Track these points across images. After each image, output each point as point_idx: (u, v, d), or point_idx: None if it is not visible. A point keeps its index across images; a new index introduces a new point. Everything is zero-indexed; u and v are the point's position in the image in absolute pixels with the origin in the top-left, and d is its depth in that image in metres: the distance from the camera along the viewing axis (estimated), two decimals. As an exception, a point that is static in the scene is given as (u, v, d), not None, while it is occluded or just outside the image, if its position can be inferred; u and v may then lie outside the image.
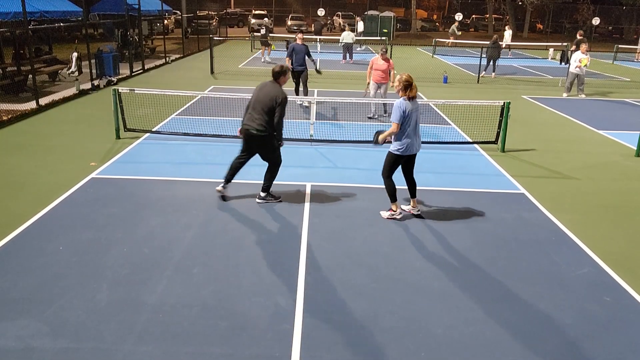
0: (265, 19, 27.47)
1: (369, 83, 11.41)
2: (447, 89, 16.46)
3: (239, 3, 56.68)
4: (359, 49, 29.90)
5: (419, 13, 52.21)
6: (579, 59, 14.84)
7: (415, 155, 6.33)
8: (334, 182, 7.68)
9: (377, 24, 36.95)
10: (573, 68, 15.18)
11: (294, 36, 13.57)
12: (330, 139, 9.81)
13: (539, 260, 5.52)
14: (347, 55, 23.30)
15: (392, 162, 6.28)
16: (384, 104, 11.91)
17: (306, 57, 12.46)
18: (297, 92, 12.69)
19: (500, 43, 20.77)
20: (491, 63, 19.51)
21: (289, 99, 6.48)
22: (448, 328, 4.33)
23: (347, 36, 22.92)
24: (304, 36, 13.50)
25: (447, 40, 32.34)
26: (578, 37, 19.44)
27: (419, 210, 6.57)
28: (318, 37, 29.37)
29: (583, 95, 15.61)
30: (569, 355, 4.03)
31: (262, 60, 22.68)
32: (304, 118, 11.59)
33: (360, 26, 32.39)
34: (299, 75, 12.48)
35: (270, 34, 24.34)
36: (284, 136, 6.59)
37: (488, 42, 20.44)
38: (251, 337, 4.12)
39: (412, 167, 6.43)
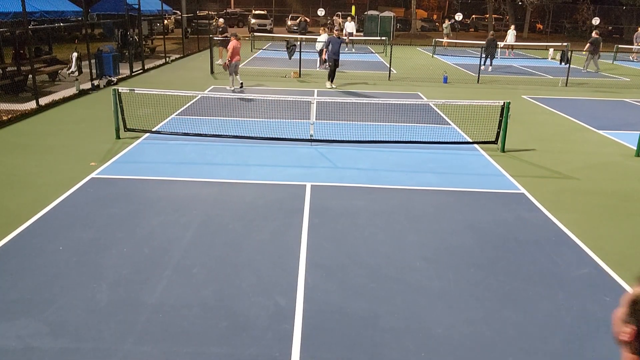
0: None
1: (229, 60, 14.20)
2: (447, 89, 16.46)
3: (239, 3, 56.68)
4: (345, 50, 27.58)
5: (419, 13, 52.21)
6: None
7: None
8: (334, 182, 7.68)
9: (377, 24, 36.94)
10: None
11: (294, 36, 13.98)
12: (330, 139, 9.81)
13: (539, 260, 5.52)
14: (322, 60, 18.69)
15: None
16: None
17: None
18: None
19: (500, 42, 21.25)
20: None
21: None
22: (448, 328, 4.33)
23: (320, 39, 18.76)
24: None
25: (443, 40, 32.29)
26: (594, 35, 19.99)
27: None
28: (303, 36, 28.43)
29: None
30: (569, 355, 4.03)
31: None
32: (304, 118, 11.58)
33: (349, 27, 28.21)
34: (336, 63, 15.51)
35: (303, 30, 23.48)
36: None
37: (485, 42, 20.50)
38: (251, 337, 4.12)
39: None
